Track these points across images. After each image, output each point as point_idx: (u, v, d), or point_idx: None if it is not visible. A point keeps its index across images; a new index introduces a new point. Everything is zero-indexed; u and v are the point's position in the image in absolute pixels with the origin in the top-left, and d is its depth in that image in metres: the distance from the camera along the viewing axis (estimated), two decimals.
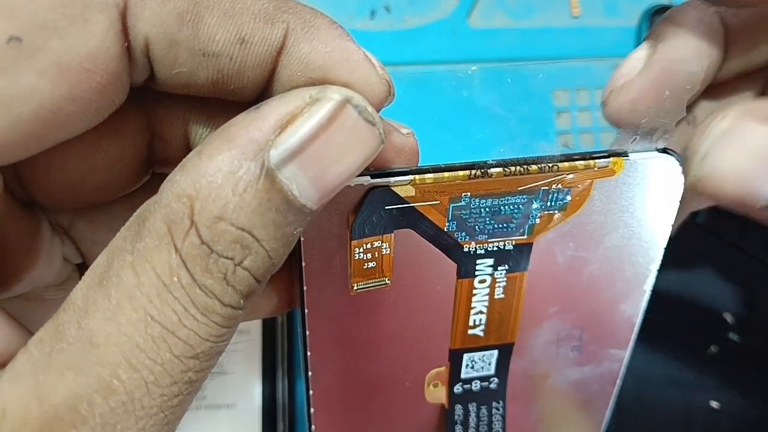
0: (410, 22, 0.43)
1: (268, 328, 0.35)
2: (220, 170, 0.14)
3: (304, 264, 0.19)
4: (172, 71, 0.15)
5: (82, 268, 0.20)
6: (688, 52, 0.19)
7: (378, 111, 0.16)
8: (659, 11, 0.40)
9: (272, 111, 0.14)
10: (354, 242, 0.19)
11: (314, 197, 0.15)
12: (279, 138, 0.14)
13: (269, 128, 0.14)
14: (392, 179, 0.18)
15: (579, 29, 0.43)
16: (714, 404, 0.38)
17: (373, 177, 0.18)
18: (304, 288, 0.19)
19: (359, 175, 0.16)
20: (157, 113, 0.18)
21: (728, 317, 0.38)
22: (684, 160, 0.17)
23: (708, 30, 0.19)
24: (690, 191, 0.17)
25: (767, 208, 0.16)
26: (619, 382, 0.25)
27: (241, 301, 0.14)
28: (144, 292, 0.13)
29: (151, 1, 0.14)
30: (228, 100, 0.17)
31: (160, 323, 0.13)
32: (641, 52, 0.21)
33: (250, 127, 0.14)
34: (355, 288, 0.20)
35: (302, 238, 0.19)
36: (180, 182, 0.14)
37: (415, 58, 0.43)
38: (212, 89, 0.16)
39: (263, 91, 0.16)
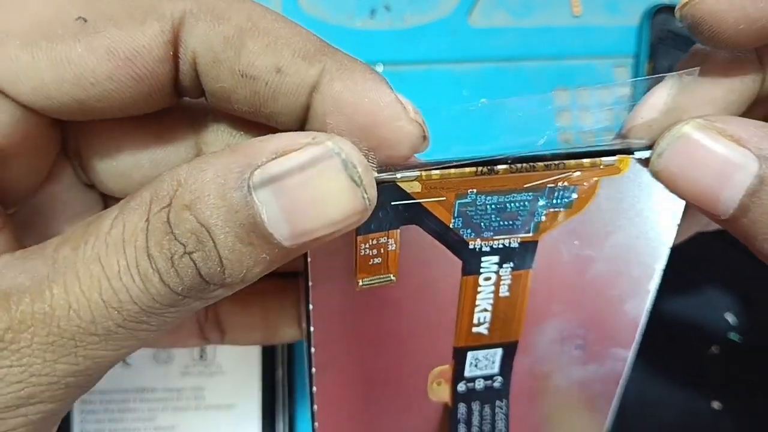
0: (410, 21, 0.43)
1: None
2: (209, 170, 0.15)
3: (309, 260, 0.19)
4: (216, 85, 0.17)
5: None
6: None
7: (410, 156, 0.17)
8: (660, 11, 0.40)
9: (275, 141, 0.16)
10: (360, 238, 0.19)
11: (284, 232, 0.16)
12: (267, 164, 0.15)
13: (265, 153, 0.16)
14: (398, 175, 0.18)
15: (580, 28, 0.43)
16: (715, 405, 0.38)
17: (379, 172, 0.18)
18: (310, 284, 0.19)
19: None
20: (206, 136, 0.20)
21: (729, 317, 0.38)
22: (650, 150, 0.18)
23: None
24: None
25: (721, 219, 0.17)
26: (622, 381, 0.25)
27: (180, 288, 0.16)
28: (107, 239, 0.15)
29: (203, 22, 0.17)
30: (267, 125, 0.19)
31: (103, 267, 0.15)
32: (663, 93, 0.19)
33: (252, 147, 0.16)
34: (360, 284, 0.20)
35: None
36: (179, 168, 0.16)
37: (415, 57, 0.43)
38: (251, 109, 0.18)
39: (302, 122, 0.18)
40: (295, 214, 0.16)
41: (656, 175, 0.18)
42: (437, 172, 0.18)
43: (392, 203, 0.18)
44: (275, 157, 0.16)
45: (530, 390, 0.25)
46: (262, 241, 0.16)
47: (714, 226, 0.20)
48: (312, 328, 0.20)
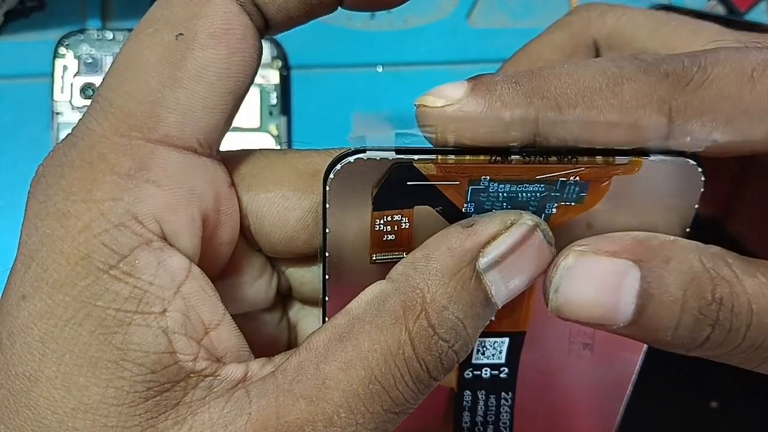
0: (410, 22, 0.43)
1: None
2: (446, 271, 0.18)
3: (327, 231, 0.19)
4: (274, 8, 0.19)
5: (286, 299, 0.25)
6: None
7: None
8: (659, 10, 0.40)
9: (484, 230, 0.18)
10: (375, 213, 0.19)
11: (502, 297, 0.19)
12: (486, 250, 0.18)
13: (480, 242, 0.18)
14: (416, 156, 0.18)
15: None
16: (714, 404, 0.38)
17: (397, 153, 0.18)
18: (326, 254, 0.20)
19: (385, 150, 0.18)
20: None
21: None
22: (544, 291, 0.19)
23: None
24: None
25: (626, 327, 0.18)
26: (630, 387, 0.25)
27: (442, 376, 0.18)
28: (373, 356, 0.17)
29: None
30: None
31: (380, 383, 0.17)
32: None
33: (467, 240, 0.18)
34: (374, 258, 0.20)
35: (327, 206, 0.19)
36: (414, 277, 0.18)
37: (415, 58, 0.43)
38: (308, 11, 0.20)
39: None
40: (512, 281, 0.19)
41: (559, 311, 0.19)
42: (453, 156, 0.18)
43: (408, 183, 0.19)
44: (486, 245, 0.18)
45: (537, 385, 0.25)
46: (488, 311, 0.19)
47: None
48: (327, 298, 0.21)
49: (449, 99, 0.18)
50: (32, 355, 0.17)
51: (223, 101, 0.19)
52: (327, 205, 0.19)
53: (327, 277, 0.20)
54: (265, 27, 0.20)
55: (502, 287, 0.18)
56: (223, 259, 0.21)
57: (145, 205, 0.18)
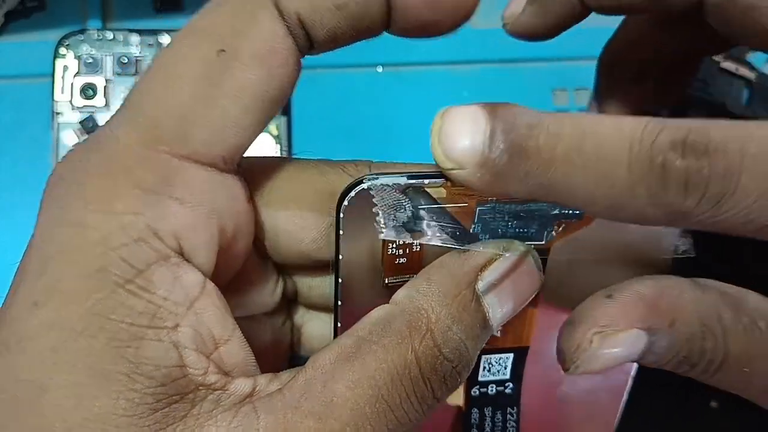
0: None
1: None
2: (448, 293, 0.18)
3: (341, 257, 0.20)
4: (323, 31, 0.19)
5: (291, 303, 0.25)
6: None
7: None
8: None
9: (480, 254, 0.19)
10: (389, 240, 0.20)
11: (497, 320, 0.19)
12: (483, 273, 0.19)
13: (477, 265, 0.19)
14: (426, 181, 0.19)
15: (578, 29, 0.43)
16: (714, 404, 0.38)
17: (409, 178, 0.19)
18: (339, 281, 0.20)
19: (396, 175, 0.19)
20: None
21: None
22: (562, 361, 0.20)
23: None
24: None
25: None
26: (625, 396, 0.25)
27: (445, 397, 0.18)
28: (381, 375, 0.17)
29: None
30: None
31: (386, 402, 0.17)
32: None
33: (465, 264, 0.19)
34: (386, 282, 0.20)
35: (341, 232, 0.19)
36: (418, 299, 0.18)
37: (415, 58, 0.43)
38: (354, 35, 0.19)
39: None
40: (508, 304, 0.19)
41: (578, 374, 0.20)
42: None
43: (420, 207, 0.19)
44: (483, 270, 0.19)
45: (541, 399, 0.25)
46: (485, 334, 0.19)
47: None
48: (339, 325, 0.21)
49: (458, 163, 0.17)
50: (43, 364, 0.16)
51: (255, 122, 0.19)
52: (341, 232, 0.19)
53: (340, 303, 0.20)
54: (309, 47, 0.19)
55: (498, 310, 0.19)
56: (234, 270, 0.21)
57: (167, 223, 0.17)
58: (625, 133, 0.17)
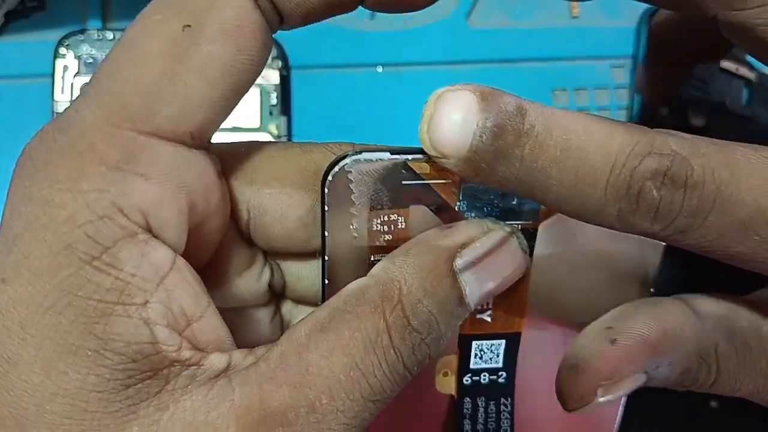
0: (410, 23, 0.43)
1: None
2: (423, 266, 0.19)
3: (327, 234, 0.20)
4: (291, 4, 0.19)
5: (279, 297, 0.25)
6: None
7: None
8: (658, 12, 0.40)
9: (461, 232, 0.19)
10: (371, 213, 0.20)
11: (475, 299, 0.19)
12: (463, 251, 0.19)
13: (458, 242, 0.19)
14: (410, 156, 0.19)
15: (578, 30, 0.44)
16: (714, 404, 0.38)
17: (392, 153, 0.19)
18: (326, 258, 0.20)
19: (380, 152, 0.19)
20: None
21: None
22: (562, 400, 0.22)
23: None
24: None
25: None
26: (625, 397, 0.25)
27: (415, 368, 0.19)
28: (354, 343, 0.18)
29: None
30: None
31: (360, 369, 0.18)
32: None
33: (445, 239, 0.19)
34: (372, 259, 0.21)
35: (326, 209, 0.19)
36: (392, 270, 0.19)
37: (415, 58, 0.43)
38: (326, 9, 0.19)
39: None
40: (486, 285, 0.19)
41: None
42: None
43: (403, 182, 0.19)
44: (464, 247, 0.19)
45: (535, 390, 0.25)
46: (461, 312, 0.19)
47: None
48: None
49: (443, 153, 0.18)
50: (11, 339, 0.17)
51: (223, 98, 0.18)
52: (326, 208, 0.19)
53: (327, 282, 0.21)
54: (279, 22, 0.19)
55: (476, 289, 0.19)
56: (209, 249, 0.21)
57: (131, 198, 0.17)
58: (609, 156, 0.18)
